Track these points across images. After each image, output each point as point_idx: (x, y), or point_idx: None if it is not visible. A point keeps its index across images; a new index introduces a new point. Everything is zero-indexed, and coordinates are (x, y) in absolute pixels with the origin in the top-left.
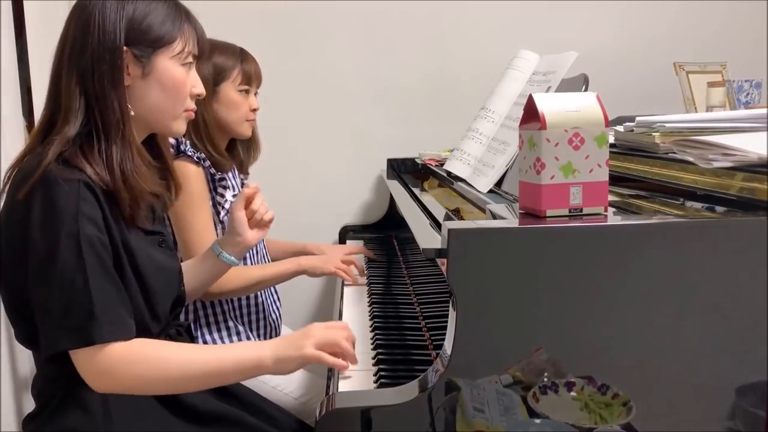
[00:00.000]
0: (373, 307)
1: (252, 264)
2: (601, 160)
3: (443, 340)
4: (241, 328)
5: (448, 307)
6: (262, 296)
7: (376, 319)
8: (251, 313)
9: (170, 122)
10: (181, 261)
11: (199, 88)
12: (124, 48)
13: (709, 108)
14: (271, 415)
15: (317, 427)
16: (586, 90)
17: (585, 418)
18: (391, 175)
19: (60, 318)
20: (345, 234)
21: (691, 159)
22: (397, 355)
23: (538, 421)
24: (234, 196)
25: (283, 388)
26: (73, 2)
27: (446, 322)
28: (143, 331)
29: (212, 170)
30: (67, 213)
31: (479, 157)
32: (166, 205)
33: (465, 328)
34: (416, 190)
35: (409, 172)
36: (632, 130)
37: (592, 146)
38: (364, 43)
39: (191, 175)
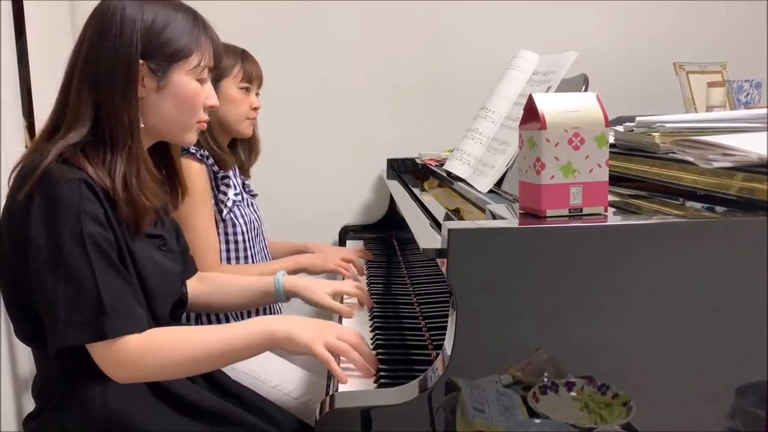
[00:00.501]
0: (373, 307)
1: (252, 263)
2: (601, 160)
3: (443, 340)
4: None
5: (448, 307)
6: None
7: (376, 319)
8: (252, 312)
9: (183, 134)
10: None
11: (213, 100)
12: (141, 61)
13: (709, 108)
14: (271, 415)
15: (317, 427)
16: (586, 90)
17: (585, 418)
18: (391, 175)
19: (69, 313)
20: (345, 234)
21: (691, 159)
22: (397, 355)
23: (538, 421)
24: (236, 194)
25: (283, 388)
26: (74, 3)
27: (446, 322)
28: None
29: (215, 168)
30: (69, 211)
31: (479, 157)
32: (168, 209)
33: (465, 328)
34: (416, 190)
35: (409, 172)
36: (632, 130)
37: (592, 146)
38: (364, 43)
39: (194, 172)
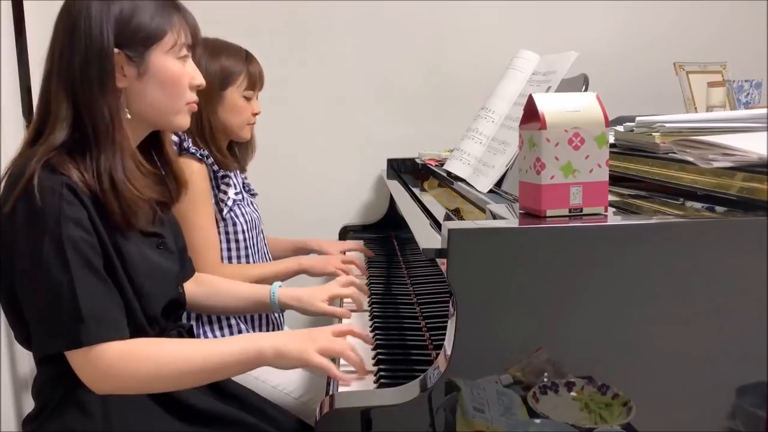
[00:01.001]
0: (373, 307)
1: (253, 262)
2: (601, 160)
3: (443, 340)
4: (243, 326)
5: (448, 307)
6: None
7: (376, 319)
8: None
9: (172, 117)
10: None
11: (199, 79)
12: (116, 50)
13: (709, 108)
14: (271, 415)
15: (317, 427)
16: (586, 90)
17: (585, 418)
18: (391, 175)
19: (48, 321)
20: (345, 234)
21: (691, 159)
22: (397, 355)
23: (538, 421)
24: (236, 194)
25: (283, 388)
26: None
27: (446, 322)
28: (141, 333)
29: (215, 167)
30: (50, 216)
31: (479, 157)
32: (167, 206)
33: (465, 328)
34: (416, 190)
35: (409, 172)
36: (632, 130)
37: (592, 146)
38: (364, 43)
39: (194, 172)
